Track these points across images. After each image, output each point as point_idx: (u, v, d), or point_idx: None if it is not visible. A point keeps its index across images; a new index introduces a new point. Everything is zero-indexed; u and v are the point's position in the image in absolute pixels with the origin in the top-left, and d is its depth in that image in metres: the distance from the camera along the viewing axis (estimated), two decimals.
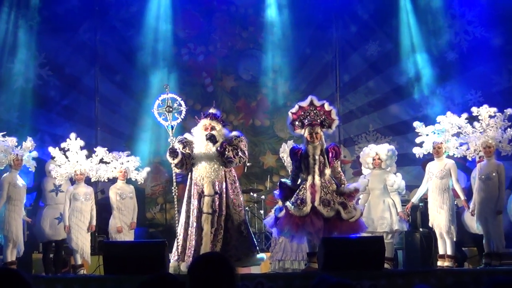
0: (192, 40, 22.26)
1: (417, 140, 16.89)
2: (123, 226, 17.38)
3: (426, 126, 16.88)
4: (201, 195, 14.57)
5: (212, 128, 14.69)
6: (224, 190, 14.71)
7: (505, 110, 16.26)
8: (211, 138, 14.48)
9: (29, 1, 21.41)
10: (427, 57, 21.75)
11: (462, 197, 16.47)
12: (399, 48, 21.89)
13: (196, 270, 5.37)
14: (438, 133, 16.66)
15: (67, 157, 17.06)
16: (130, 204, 17.65)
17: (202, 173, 14.62)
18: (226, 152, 14.54)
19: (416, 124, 17.04)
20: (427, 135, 16.72)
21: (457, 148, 16.56)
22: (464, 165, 17.46)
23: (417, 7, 21.69)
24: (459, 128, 16.46)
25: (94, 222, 17.28)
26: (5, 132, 17.16)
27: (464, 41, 22.01)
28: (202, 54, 22.27)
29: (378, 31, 22.26)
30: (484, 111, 16.17)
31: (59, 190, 17.51)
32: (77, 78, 22.10)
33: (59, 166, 17.06)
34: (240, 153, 14.74)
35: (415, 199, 17.22)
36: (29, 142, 16.93)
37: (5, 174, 16.79)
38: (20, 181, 16.78)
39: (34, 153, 17.06)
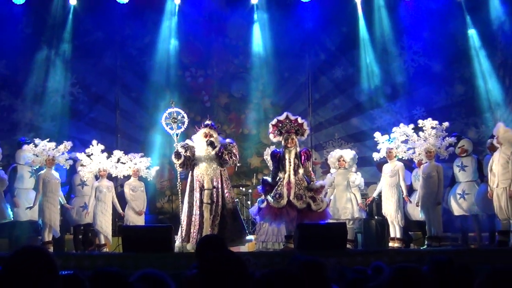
0: (193, 65, 22.24)
1: (378, 147, 17.06)
2: (136, 213, 17.46)
3: (381, 135, 17.05)
4: (202, 189, 14.90)
5: (211, 136, 14.94)
6: (220, 185, 15.03)
7: (443, 123, 16.56)
8: (211, 144, 14.93)
9: (63, 34, 21.33)
10: (381, 79, 21.74)
11: (405, 192, 16.71)
12: (359, 72, 21.88)
13: (201, 247, 5.42)
14: (390, 141, 16.82)
15: (91, 159, 17.09)
16: (141, 196, 17.68)
17: (203, 171, 14.95)
18: (223, 156, 14.80)
19: (376, 134, 17.26)
20: (383, 142, 16.87)
21: (405, 152, 16.69)
22: (410, 166, 17.47)
23: (373, 40, 21.69)
24: (407, 136, 16.60)
25: (120, 210, 17.36)
26: (48, 139, 17.20)
27: (411, 67, 22.05)
28: (202, 77, 22.26)
29: (342, 59, 22.25)
30: (428, 123, 16.50)
31: (85, 184, 17.47)
32: (101, 95, 22.07)
33: (84, 166, 17.09)
34: (233, 156, 15.01)
35: (375, 194, 17.60)
36: (62, 146, 16.94)
37: (41, 172, 16.82)
38: (54, 177, 16.78)
39: (65, 156, 17.05)
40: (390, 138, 16.98)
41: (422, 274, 4.43)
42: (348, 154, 17.61)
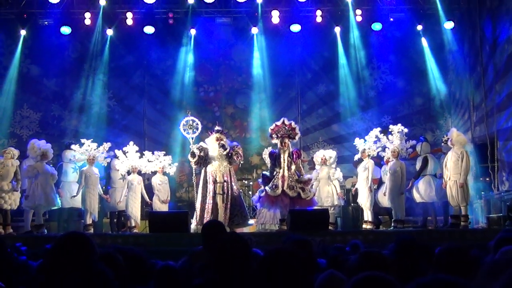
0: (206, 83, 22.22)
1: (359, 149, 17.21)
2: (160, 202, 17.45)
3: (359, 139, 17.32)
4: (215, 182, 15.00)
5: (221, 140, 15.15)
6: (229, 179, 15.22)
7: (404, 129, 16.64)
8: (223, 146, 15.18)
9: (102, 58, 21.36)
10: (355, 94, 21.74)
11: (369, 182, 17.00)
12: (338, 88, 21.87)
13: (207, 231, 5.40)
14: (364, 142, 16.97)
15: (126, 156, 17.14)
16: (166, 188, 17.70)
17: (216, 168, 15.18)
18: (232, 156, 14.97)
19: (356, 140, 17.44)
20: (364, 143, 17.04)
21: (374, 151, 16.85)
22: (379, 163, 17.48)
23: (349, 62, 21.67)
24: (377, 137, 16.75)
25: (147, 199, 17.40)
26: (91, 139, 17.26)
27: (380, 83, 22.05)
28: (212, 92, 22.23)
29: (324, 77, 22.23)
30: (396, 128, 16.52)
31: (124, 178, 17.46)
32: (132, 107, 22.07)
33: (121, 163, 17.16)
34: (239, 156, 15.17)
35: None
36: (102, 147, 17.00)
37: (83, 168, 16.87)
38: (94, 172, 16.83)
39: (104, 155, 17.10)
40: (365, 140, 17.10)
41: (384, 257, 4.42)
42: (330, 153, 17.78)
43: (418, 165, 17.00)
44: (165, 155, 17.98)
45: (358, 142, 17.28)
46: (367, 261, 4.31)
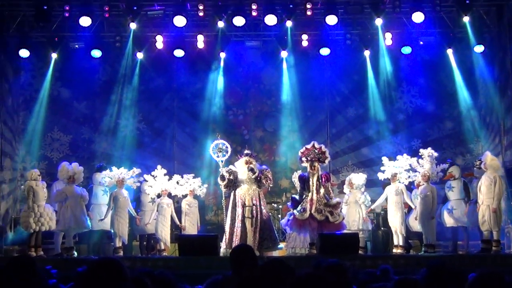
0: (235, 106, 22.25)
1: (382, 168, 17.27)
2: (190, 224, 17.48)
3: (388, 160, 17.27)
4: (244, 206, 15.00)
5: (251, 163, 15.14)
6: (258, 202, 15.20)
7: (434, 153, 16.57)
8: (252, 170, 15.15)
9: (132, 81, 21.46)
10: (385, 117, 21.67)
11: (412, 205, 16.88)
12: (368, 111, 21.80)
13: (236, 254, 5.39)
14: (395, 167, 16.90)
15: (155, 180, 17.21)
16: (195, 211, 17.72)
17: (244, 191, 15.12)
18: (261, 179, 14.95)
19: (383, 158, 17.50)
20: (389, 166, 16.95)
21: (406, 179, 16.80)
22: (410, 187, 17.40)
23: (379, 86, 21.60)
24: (410, 165, 16.70)
25: (177, 222, 17.46)
26: (122, 167, 17.45)
27: (409, 107, 21.97)
28: (242, 115, 22.25)
29: (354, 101, 22.18)
30: (426, 152, 16.46)
31: (153, 201, 17.51)
32: (161, 130, 22.13)
33: (150, 186, 17.22)
34: (268, 180, 15.18)
35: (373, 206, 17.83)
36: (131, 171, 17.12)
37: (113, 191, 16.93)
38: (123, 195, 16.93)
39: (134, 179, 17.20)
40: (397, 166, 17.02)
41: (419, 284, 4.38)
42: (356, 178, 17.73)
43: (456, 187, 16.86)
44: (194, 177, 18.00)
45: (386, 162, 17.27)
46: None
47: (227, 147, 16.25)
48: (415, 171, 16.79)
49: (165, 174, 17.42)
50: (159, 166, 17.56)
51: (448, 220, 16.81)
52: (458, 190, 16.87)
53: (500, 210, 15.55)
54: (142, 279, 4.71)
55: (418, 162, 16.68)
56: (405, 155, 17.37)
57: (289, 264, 4.81)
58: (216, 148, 16.22)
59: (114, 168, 17.27)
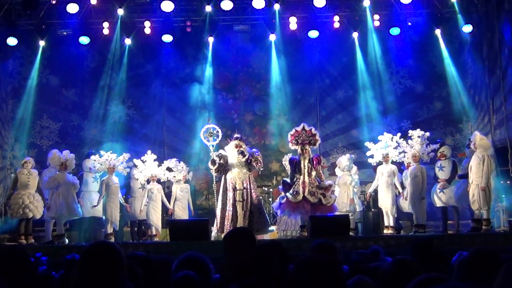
0: (225, 90, 22.23)
1: (368, 154, 17.07)
2: (181, 209, 17.44)
3: (375, 143, 17.13)
4: (234, 189, 15.00)
5: (241, 146, 15.14)
6: (248, 186, 15.14)
7: (425, 133, 16.60)
8: (242, 153, 15.16)
9: (120, 67, 21.41)
10: (374, 98, 21.64)
11: (400, 189, 16.69)
12: (357, 93, 21.78)
13: (232, 238, 5.33)
14: (384, 147, 16.89)
15: (145, 165, 17.20)
16: (187, 196, 17.81)
17: (235, 175, 15.16)
18: (252, 162, 14.97)
19: (367, 143, 17.52)
20: (377, 150, 16.93)
21: (397, 156, 16.77)
22: (400, 168, 17.40)
23: (368, 67, 21.59)
24: (398, 143, 16.68)
25: (169, 206, 17.52)
26: (110, 151, 17.35)
27: (398, 88, 21.95)
28: (231, 99, 22.24)
29: (343, 83, 22.15)
30: (415, 133, 16.49)
31: (144, 187, 17.50)
32: (151, 115, 22.10)
33: (141, 171, 17.21)
34: (258, 163, 15.18)
35: (371, 190, 17.70)
36: (121, 157, 17.08)
37: (104, 177, 16.89)
38: (114, 182, 16.90)
39: (124, 165, 17.16)
40: (385, 146, 17.00)
41: (417, 264, 4.33)
42: (343, 160, 17.68)
43: (447, 167, 16.83)
44: (183, 162, 18.07)
45: (371, 146, 17.28)
46: (401, 268, 4.22)
47: (218, 131, 16.24)
48: (404, 152, 16.81)
49: (155, 160, 17.39)
50: (149, 151, 17.58)
51: (438, 200, 16.81)
52: (449, 170, 16.85)
53: (490, 189, 15.55)
54: (132, 266, 4.67)
55: (407, 143, 16.67)
56: (385, 133, 17.44)
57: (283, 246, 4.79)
58: (207, 133, 16.21)
59: (102, 152, 17.22)
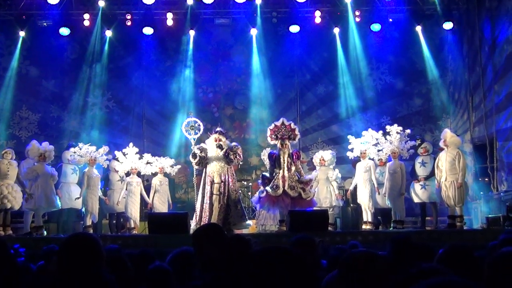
0: (205, 83, 22.23)
1: (350, 147, 17.11)
2: (160, 203, 17.40)
3: (355, 138, 17.13)
4: (212, 183, 15.02)
5: (220, 140, 15.14)
6: (227, 179, 15.13)
7: (405, 130, 16.61)
8: (220, 146, 15.17)
9: (101, 59, 21.39)
10: (354, 94, 21.72)
11: (376, 185, 16.78)
12: (337, 89, 21.87)
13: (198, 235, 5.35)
14: (363, 143, 16.92)
15: (125, 157, 17.19)
16: (166, 189, 17.68)
17: (213, 168, 15.16)
18: (229, 156, 14.95)
19: (349, 137, 17.32)
20: (360, 143, 17.00)
21: (375, 153, 16.83)
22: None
23: (348, 63, 21.68)
24: (377, 140, 16.71)
25: (148, 200, 17.40)
26: (89, 143, 17.30)
27: (379, 84, 22.06)
28: (211, 93, 22.24)
29: (324, 78, 22.22)
30: (394, 129, 16.50)
31: (123, 180, 17.48)
32: (131, 108, 22.09)
33: (121, 163, 17.21)
34: (237, 156, 15.18)
35: (351, 187, 17.59)
36: (102, 149, 17.06)
37: (85, 169, 16.83)
38: (95, 174, 16.87)
39: (104, 157, 17.13)
40: (364, 141, 17.05)
41: (378, 257, 4.32)
42: (327, 154, 17.69)
43: (429, 163, 16.83)
44: (163, 156, 18.05)
45: (353, 140, 17.27)
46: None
47: (199, 125, 16.25)
48: (381, 149, 16.87)
49: (136, 153, 17.36)
50: (131, 144, 17.54)
51: (416, 197, 16.84)
52: (431, 166, 16.90)
53: (466, 185, 15.67)
54: (123, 259, 4.68)
55: (386, 139, 16.73)
56: (370, 129, 17.37)
57: (247, 238, 4.81)
58: (188, 126, 16.22)
59: (81, 144, 17.16)
